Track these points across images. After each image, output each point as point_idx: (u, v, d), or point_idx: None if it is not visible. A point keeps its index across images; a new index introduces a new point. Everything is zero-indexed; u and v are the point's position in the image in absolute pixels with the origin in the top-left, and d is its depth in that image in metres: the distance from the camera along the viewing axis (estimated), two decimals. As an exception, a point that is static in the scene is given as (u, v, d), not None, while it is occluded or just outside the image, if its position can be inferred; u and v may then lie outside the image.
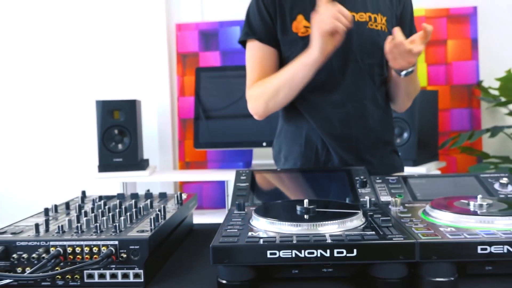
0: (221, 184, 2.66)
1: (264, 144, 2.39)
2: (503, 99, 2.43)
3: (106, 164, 2.31)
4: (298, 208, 0.79)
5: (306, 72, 1.19)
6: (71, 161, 2.82)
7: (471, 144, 2.53)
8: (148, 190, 1.07)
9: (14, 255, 0.73)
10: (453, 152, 2.62)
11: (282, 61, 1.33)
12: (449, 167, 2.59)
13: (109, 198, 1.09)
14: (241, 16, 2.68)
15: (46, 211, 0.93)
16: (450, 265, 0.65)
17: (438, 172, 2.36)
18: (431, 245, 0.64)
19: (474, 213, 0.75)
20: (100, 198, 1.06)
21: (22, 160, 2.89)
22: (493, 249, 0.64)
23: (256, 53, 1.35)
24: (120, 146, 2.32)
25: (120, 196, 1.08)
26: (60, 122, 2.86)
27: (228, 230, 0.74)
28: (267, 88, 1.29)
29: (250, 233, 0.72)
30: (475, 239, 0.65)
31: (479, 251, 0.64)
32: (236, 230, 0.74)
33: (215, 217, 2.11)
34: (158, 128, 2.81)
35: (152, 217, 0.80)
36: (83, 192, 1.11)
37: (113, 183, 2.39)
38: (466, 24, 2.67)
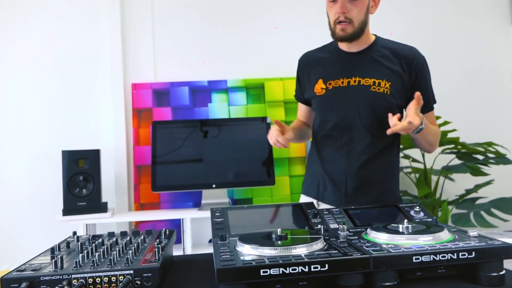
0: (173, 222, 2.65)
1: (214, 186, 2.45)
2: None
3: (71, 208, 2.23)
4: (273, 235, 0.88)
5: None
6: (36, 206, 2.67)
7: (378, 181, 2.77)
8: (133, 230, 1.10)
9: (38, 289, 0.74)
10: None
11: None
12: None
13: (99, 236, 1.09)
14: (189, 77, 2.83)
15: (52, 250, 0.93)
16: (394, 273, 0.77)
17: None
18: (381, 258, 0.76)
19: (403, 233, 0.89)
20: (94, 237, 1.08)
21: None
22: (423, 258, 0.77)
23: (298, 108, 1.72)
24: (84, 191, 2.27)
25: (111, 234, 1.10)
26: (27, 170, 2.72)
27: (223, 256, 0.80)
28: None
29: (241, 257, 0.79)
30: (410, 252, 0.78)
31: (414, 260, 0.77)
32: (229, 255, 0.80)
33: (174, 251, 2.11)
34: (115, 174, 2.77)
35: (155, 249, 0.85)
36: (74, 233, 1.11)
37: (76, 224, 2.30)
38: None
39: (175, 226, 2.62)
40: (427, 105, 1.48)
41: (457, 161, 2.63)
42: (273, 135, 1.41)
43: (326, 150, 1.53)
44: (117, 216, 2.37)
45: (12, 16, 2.79)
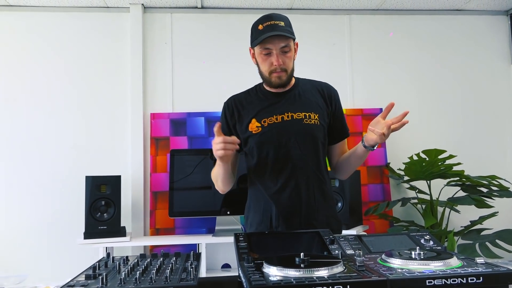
0: (187, 247, 2.70)
1: (228, 212, 2.52)
2: (406, 177, 2.78)
3: (92, 231, 2.30)
4: (297, 259, 0.95)
5: (221, 170, 1.52)
6: (59, 229, 2.74)
7: (385, 212, 2.83)
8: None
9: (88, 303, 0.81)
10: (372, 218, 2.90)
11: (246, 155, 1.61)
12: (371, 229, 2.86)
13: (132, 258, 1.16)
14: (205, 108, 2.95)
15: (94, 268, 1.00)
16: (409, 295, 0.84)
17: (365, 233, 2.60)
18: (397, 281, 0.83)
19: (415, 259, 0.95)
20: (127, 258, 1.15)
21: (17, 227, 2.78)
22: (435, 282, 0.84)
23: None
24: (105, 215, 2.34)
25: (143, 256, 1.16)
26: (51, 194, 2.82)
27: (252, 277, 0.87)
28: (212, 176, 1.64)
29: (270, 278, 0.86)
30: (424, 276, 0.84)
31: (427, 283, 0.83)
32: (258, 276, 0.87)
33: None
34: (132, 199, 2.85)
35: (191, 269, 0.92)
36: (108, 254, 1.18)
37: (96, 247, 2.37)
38: (375, 120, 3.08)
39: (189, 251, 2.67)
40: (345, 133, 1.64)
41: (462, 193, 2.68)
42: (219, 140, 1.41)
43: (271, 186, 1.53)
44: (135, 240, 2.44)
45: (38, 48, 2.95)
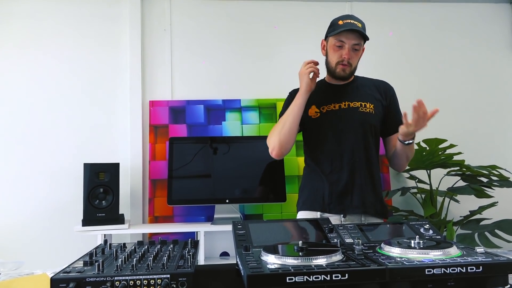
0: (186, 235, 2.71)
1: (227, 201, 2.51)
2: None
3: (90, 218, 2.30)
4: (295, 247, 0.94)
5: (300, 101, 1.63)
6: (57, 216, 2.74)
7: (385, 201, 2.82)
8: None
9: (84, 289, 0.80)
10: (371, 207, 2.90)
11: (304, 137, 1.78)
12: (370, 219, 2.85)
13: (130, 245, 1.16)
14: (205, 96, 2.93)
15: (91, 255, 1.00)
16: (407, 284, 0.83)
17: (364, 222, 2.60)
18: (396, 270, 0.82)
19: (415, 248, 0.95)
20: (124, 245, 1.14)
21: (15, 213, 2.77)
22: (435, 271, 0.83)
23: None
24: (104, 202, 2.34)
25: (140, 243, 1.16)
26: (49, 181, 2.80)
27: (250, 264, 0.87)
28: (278, 124, 1.68)
29: (268, 266, 0.85)
30: (423, 265, 0.84)
31: (426, 272, 0.83)
32: (256, 264, 0.87)
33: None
34: (131, 187, 2.84)
35: (188, 256, 0.91)
36: (105, 241, 1.17)
37: (94, 235, 2.37)
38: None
39: (187, 239, 2.67)
40: (399, 126, 1.69)
41: (462, 183, 2.67)
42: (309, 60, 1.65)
43: (326, 167, 1.67)
44: (134, 228, 2.44)
45: (38, 36, 2.92)
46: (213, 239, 2.67)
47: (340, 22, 1.65)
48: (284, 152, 1.66)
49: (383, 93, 1.76)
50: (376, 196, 1.69)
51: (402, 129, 1.54)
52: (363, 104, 1.69)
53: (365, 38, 1.65)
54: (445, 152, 2.54)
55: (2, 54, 2.88)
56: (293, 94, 1.77)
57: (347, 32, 1.62)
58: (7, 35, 2.89)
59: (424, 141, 2.55)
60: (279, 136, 1.64)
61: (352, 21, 1.63)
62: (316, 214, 1.66)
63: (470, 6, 3.26)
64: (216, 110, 2.93)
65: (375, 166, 1.70)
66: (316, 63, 1.67)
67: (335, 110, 1.69)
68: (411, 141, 1.59)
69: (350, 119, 1.67)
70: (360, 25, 1.64)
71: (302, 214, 1.73)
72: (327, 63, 1.73)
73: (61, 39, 2.93)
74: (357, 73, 1.80)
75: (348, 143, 1.65)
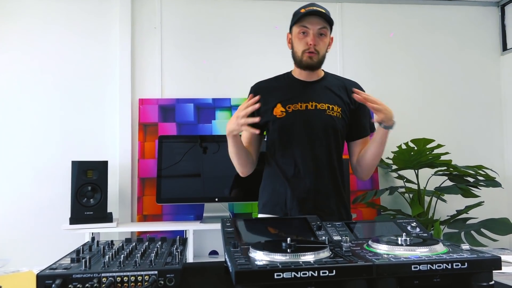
0: (175, 234, 2.69)
1: (216, 199, 2.51)
2: (394, 166, 2.80)
3: (78, 217, 2.28)
4: (283, 244, 0.94)
5: (233, 143, 1.56)
6: (44, 214, 2.70)
7: (373, 200, 2.85)
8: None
9: (70, 286, 0.79)
10: (360, 206, 2.92)
11: (268, 137, 1.68)
12: (359, 218, 2.88)
13: (118, 242, 1.15)
14: (194, 95, 2.92)
15: (78, 252, 0.99)
16: (394, 280, 0.84)
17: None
18: (383, 266, 0.83)
19: (402, 245, 0.96)
20: (112, 242, 1.13)
21: (2, 211, 2.74)
22: (421, 267, 0.84)
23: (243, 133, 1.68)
24: (92, 201, 2.32)
25: (128, 240, 1.15)
26: (36, 179, 2.77)
27: (238, 260, 0.87)
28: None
29: (256, 262, 0.85)
30: (409, 261, 0.85)
31: (412, 268, 0.84)
32: (244, 260, 0.87)
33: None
34: (119, 185, 2.82)
35: (176, 253, 0.91)
36: (93, 238, 1.16)
37: (82, 233, 2.34)
38: (365, 109, 3.09)
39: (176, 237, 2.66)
40: (365, 131, 1.69)
41: (449, 183, 2.71)
42: (243, 114, 1.44)
43: (289, 169, 1.60)
44: (122, 226, 2.42)
45: (26, 32, 2.88)
46: (202, 238, 2.67)
47: (302, 10, 1.58)
48: (249, 173, 1.67)
49: (351, 96, 1.63)
50: (340, 203, 1.63)
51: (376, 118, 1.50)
52: (330, 106, 1.61)
53: (330, 23, 1.58)
54: (433, 152, 2.57)
55: (-12, 50, 2.84)
56: (255, 88, 1.68)
57: (310, 17, 1.55)
58: (-6, 31, 2.85)
59: (412, 141, 2.58)
60: (236, 166, 1.64)
61: (315, 8, 1.56)
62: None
63: (458, 8, 3.30)
64: (206, 109, 2.92)
65: (339, 172, 1.64)
66: (254, 108, 1.45)
67: (302, 111, 1.60)
68: (391, 125, 1.54)
69: (317, 122, 1.59)
70: (324, 11, 1.57)
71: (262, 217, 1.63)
72: (293, 55, 1.65)
73: (50, 36, 2.90)
74: (338, 72, 1.74)
75: (312, 147, 1.58)
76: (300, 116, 1.60)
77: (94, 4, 2.96)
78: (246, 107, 1.45)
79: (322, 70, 1.71)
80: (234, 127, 1.46)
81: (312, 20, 1.56)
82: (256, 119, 1.45)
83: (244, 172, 1.66)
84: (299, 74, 1.67)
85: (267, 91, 1.65)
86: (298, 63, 1.63)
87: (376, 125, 1.59)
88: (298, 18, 1.57)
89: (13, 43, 2.85)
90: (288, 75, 1.71)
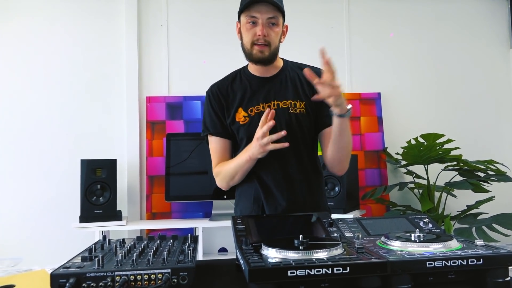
0: (184, 231, 2.70)
1: (225, 196, 2.51)
2: (403, 162, 2.78)
3: (87, 215, 2.29)
4: (295, 241, 0.94)
5: (250, 164, 1.38)
6: (54, 213, 2.73)
7: (382, 196, 2.83)
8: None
9: (84, 285, 0.80)
10: (369, 202, 2.91)
11: (238, 143, 1.50)
12: (368, 214, 2.86)
13: (129, 240, 1.15)
14: (202, 92, 2.90)
15: (90, 251, 0.99)
16: (408, 276, 0.83)
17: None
18: (397, 263, 0.82)
19: (415, 241, 0.95)
20: (124, 240, 1.14)
21: (13, 210, 2.76)
22: (436, 263, 0.83)
23: (214, 145, 1.52)
24: (101, 199, 2.33)
25: (139, 239, 1.15)
26: (46, 178, 2.79)
27: (251, 258, 0.86)
28: (227, 172, 1.45)
29: (269, 260, 0.85)
30: (424, 258, 0.84)
31: (427, 265, 0.83)
32: (256, 258, 0.86)
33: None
34: (128, 183, 2.84)
35: (189, 251, 0.91)
36: (104, 237, 1.16)
37: (92, 231, 2.36)
38: (373, 105, 3.07)
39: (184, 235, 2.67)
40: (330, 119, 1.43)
41: (459, 178, 2.69)
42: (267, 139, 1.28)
43: (262, 176, 1.47)
44: (132, 224, 2.43)
45: (33, 32, 2.89)
46: (211, 235, 2.67)
47: None
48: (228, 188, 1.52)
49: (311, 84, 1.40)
50: (315, 205, 1.49)
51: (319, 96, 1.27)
52: (293, 103, 1.46)
53: (281, 11, 1.43)
54: (443, 147, 2.55)
55: (-3, 50, 2.86)
56: (213, 93, 1.52)
57: (258, 5, 1.39)
58: (3, 32, 2.87)
59: (421, 136, 2.56)
60: (228, 183, 1.47)
61: None
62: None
63: (467, 2, 3.26)
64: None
65: (314, 170, 1.50)
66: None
67: (264, 112, 1.39)
68: (347, 112, 1.31)
69: (282, 123, 1.43)
70: None
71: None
72: (242, 47, 1.49)
73: (58, 36, 2.91)
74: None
75: (281, 149, 1.34)
76: None
77: (100, 3, 2.97)
78: (262, 127, 1.29)
79: (281, 58, 1.56)
80: (258, 150, 1.31)
81: (261, 8, 1.40)
82: (282, 133, 1.28)
83: (232, 185, 1.51)
84: (255, 70, 1.53)
85: (226, 93, 1.51)
86: (248, 56, 1.48)
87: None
88: (245, 5, 1.41)
89: (21, 44, 2.87)
90: (244, 71, 1.56)
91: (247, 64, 1.56)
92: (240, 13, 1.47)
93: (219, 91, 1.53)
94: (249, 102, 1.48)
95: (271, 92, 1.49)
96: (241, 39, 1.50)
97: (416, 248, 0.91)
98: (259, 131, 1.30)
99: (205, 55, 3.02)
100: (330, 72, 1.22)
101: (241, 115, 1.47)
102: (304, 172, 1.48)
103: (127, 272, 0.81)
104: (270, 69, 1.52)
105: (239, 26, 1.50)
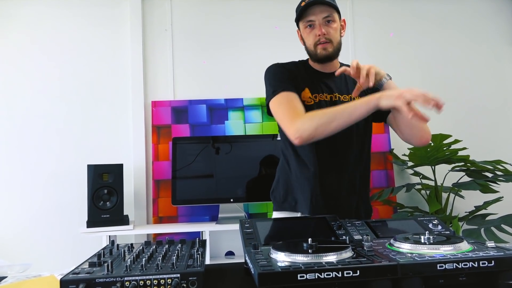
0: (190, 235, 2.70)
1: (231, 200, 2.51)
2: (410, 163, 2.76)
3: (95, 220, 2.30)
4: (304, 244, 0.94)
5: (366, 109, 1.28)
6: (62, 218, 2.74)
7: (389, 198, 2.82)
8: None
9: (94, 290, 0.80)
10: (376, 204, 2.89)
11: None
12: (375, 215, 2.85)
13: (137, 245, 1.15)
14: (207, 95, 2.92)
15: (99, 256, 0.99)
16: (419, 279, 0.83)
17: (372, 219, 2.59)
18: (408, 265, 0.81)
19: (425, 243, 0.94)
20: (132, 245, 1.14)
21: (20, 216, 2.77)
22: (447, 266, 0.82)
23: (293, 97, 1.44)
24: (108, 204, 2.34)
25: (147, 243, 1.15)
26: (53, 183, 2.81)
27: (260, 263, 0.86)
28: (322, 115, 1.34)
29: (278, 264, 0.85)
30: (435, 260, 0.83)
31: (438, 267, 0.82)
32: (266, 262, 0.86)
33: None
34: (134, 188, 2.84)
35: (197, 255, 0.91)
36: (112, 242, 1.17)
37: (99, 236, 2.37)
38: (379, 106, 3.05)
39: (194, 239, 2.67)
40: None
41: (466, 179, 2.67)
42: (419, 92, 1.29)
43: (313, 164, 1.48)
44: (139, 229, 2.43)
45: (39, 38, 2.92)
46: (218, 239, 2.67)
47: (302, 3, 1.48)
48: (307, 142, 1.39)
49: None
50: (364, 199, 1.55)
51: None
52: (352, 98, 1.50)
53: (335, 8, 1.48)
54: (450, 148, 2.53)
55: (4, 55, 2.88)
56: (281, 65, 1.55)
57: (312, 8, 1.46)
58: (9, 37, 2.89)
59: (428, 137, 2.54)
60: (317, 128, 1.32)
61: None
62: (296, 215, 1.49)
63: (472, 1, 3.25)
64: (219, 110, 2.93)
65: (366, 167, 1.55)
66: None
67: (327, 101, 1.49)
68: (384, 81, 1.44)
69: None
70: None
71: (280, 214, 1.57)
72: (307, 51, 1.55)
73: (63, 40, 2.93)
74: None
75: (336, 140, 1.42)
76: (325, 107, 1.40)
77: (105, 8, 2.99)
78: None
79: (338, 61, 1.61)
80: (401, 95, 1.29)
81: (314, 11, 1.46)
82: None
83: (313, 140, 1.38)
84: (316, 65, 1.57)
85: (294, 72, 1.54)
86: (314, 57, 1.53)
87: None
88: (300, 12, 1.49)
89: (26, 49, 2.90)
90: (305, 64, 1.60)
91: (307, 59, 1.60)
92: (297, 21, 1.55)
93: (289, 66, 1.56)
94: (315, 88, 1.51)
95: (333, 85, 1.54)
96: (304, 44, 1.56)
97: (426, 251, 0.91)
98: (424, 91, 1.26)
99: (210, 58, 3.03)
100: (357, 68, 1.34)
101: (307, 96, 1.49)
102: (359, 165, 1.51)
103: (137, 277, 0.81)
104: (330, 67, 1.57)
105: (300, 34, 1.57)
